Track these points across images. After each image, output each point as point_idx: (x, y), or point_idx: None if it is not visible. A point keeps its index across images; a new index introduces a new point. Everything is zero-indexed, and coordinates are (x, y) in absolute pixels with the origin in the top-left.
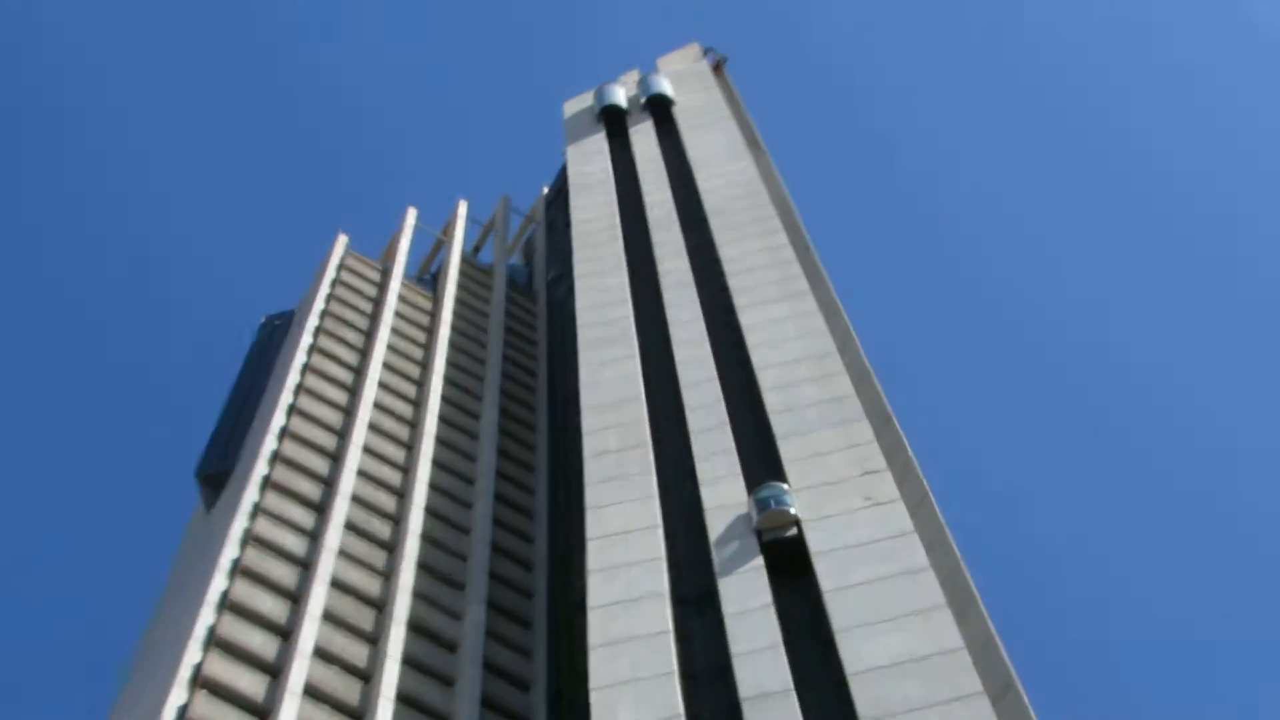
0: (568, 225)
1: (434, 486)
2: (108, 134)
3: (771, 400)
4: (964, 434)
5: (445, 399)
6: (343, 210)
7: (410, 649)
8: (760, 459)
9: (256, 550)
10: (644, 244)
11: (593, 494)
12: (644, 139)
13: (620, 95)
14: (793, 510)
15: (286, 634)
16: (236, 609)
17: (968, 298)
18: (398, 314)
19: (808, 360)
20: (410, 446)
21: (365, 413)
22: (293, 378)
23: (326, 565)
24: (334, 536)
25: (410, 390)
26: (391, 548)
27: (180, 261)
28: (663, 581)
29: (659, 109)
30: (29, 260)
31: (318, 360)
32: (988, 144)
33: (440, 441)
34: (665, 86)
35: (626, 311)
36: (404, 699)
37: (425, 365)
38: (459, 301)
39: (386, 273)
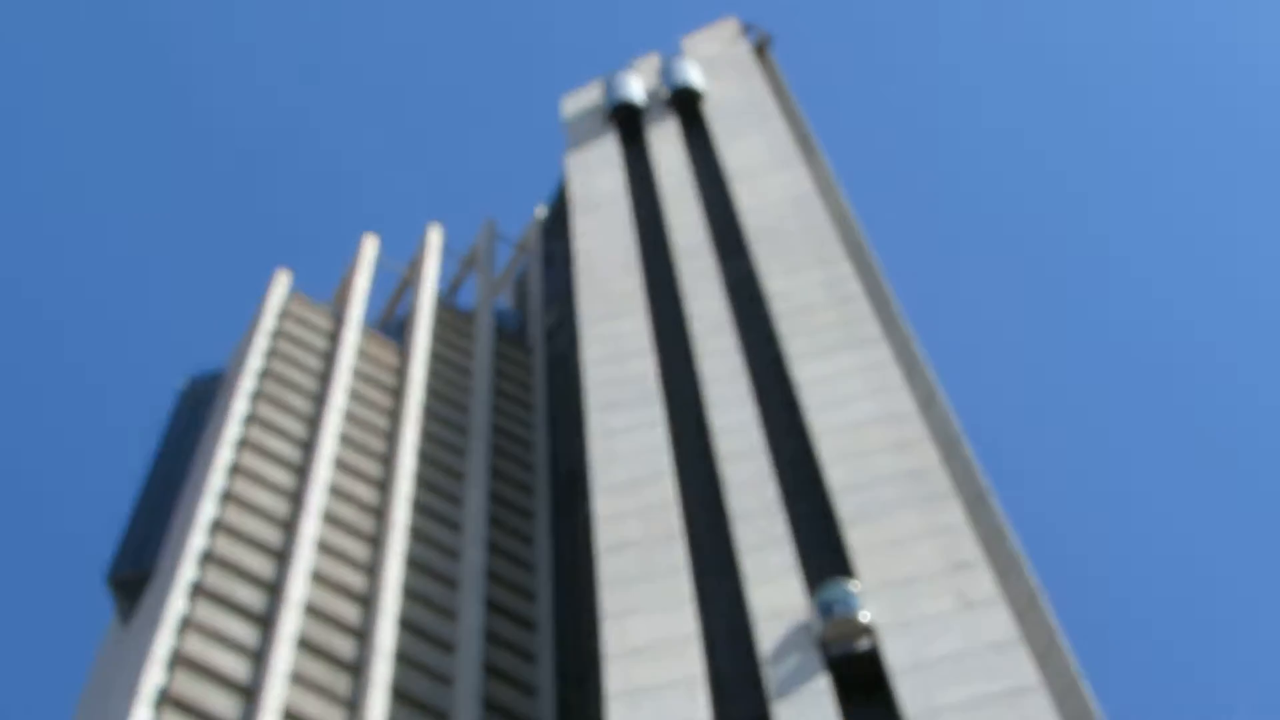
0: (569, 256)
1: (409, 592)
2: None
3: (835, 475)
4: (1081, 513)
5: (419, 480)
6: (282, 243)
7: None
8: (822, 550)
9: (187, 675)
10: (668, 278)
11: (610, 599)
12: (667, 143)
13: (636, 88)
14: (864, 616)
15: None
16: None
17: (1077, 341)
18: (356, 372)
19: (881, 423)
20: (376, 541)
21: (318, 499)
22: (225, 455)
23: (276, 694)
24: (284, 657)
25: (374, 469)
26: (357, 669)
27: (77, 312)
28: (702, 709)
29: (686, 104)
30: None
31: (256, 433)
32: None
33: (414, 534)
34: (693, 75)
35: (647, 365)
36: None
37: (392, 437)
38: (434, 355)
39: (340, 320)
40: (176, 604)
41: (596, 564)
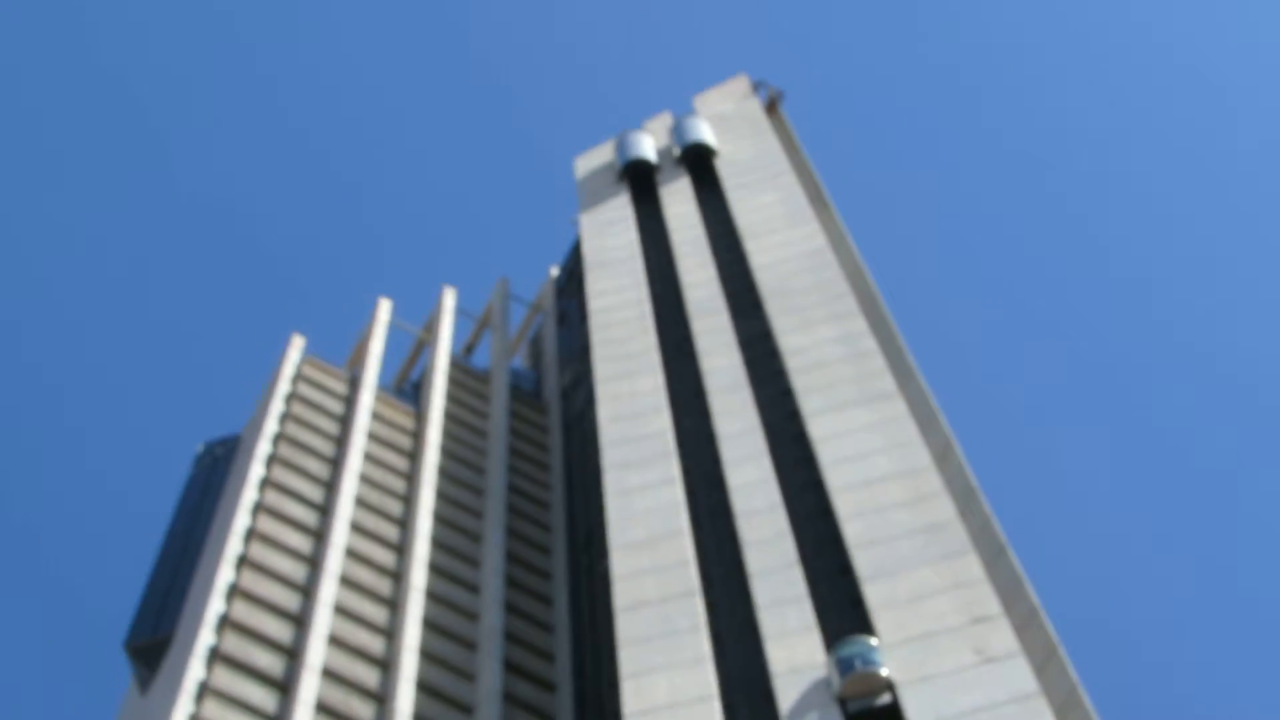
0: (584, 315)
1: (426, 654)
2: None
3: (853, 531)
4: (1100, 564)
5: (436, 542)
6: (297, 307)
7: None
8: (840, 606)
9: None
10: (683, 336)
11: (629, 658)
12: (679, 201)
13: (647, 146)
14: (884, 671)
15: None
16: None
17: (1094, 393)
18: (372, 435)
19: (898, 478)
20: (394, 604)
21: (335, 563)
22: (242, 520)
23: None
24: None
25: (391, 532)
26: None
27: (94, 379)
28: None
29: (698, 162)
30: None
31: (273, 497)
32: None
33: (431, 597)
34: (705, 133)
35: (663, 423)
36: None
37: (409, 500)
38: (449, 417)
39: (355, 383)
40: (195, 670)
41: (615, 623)
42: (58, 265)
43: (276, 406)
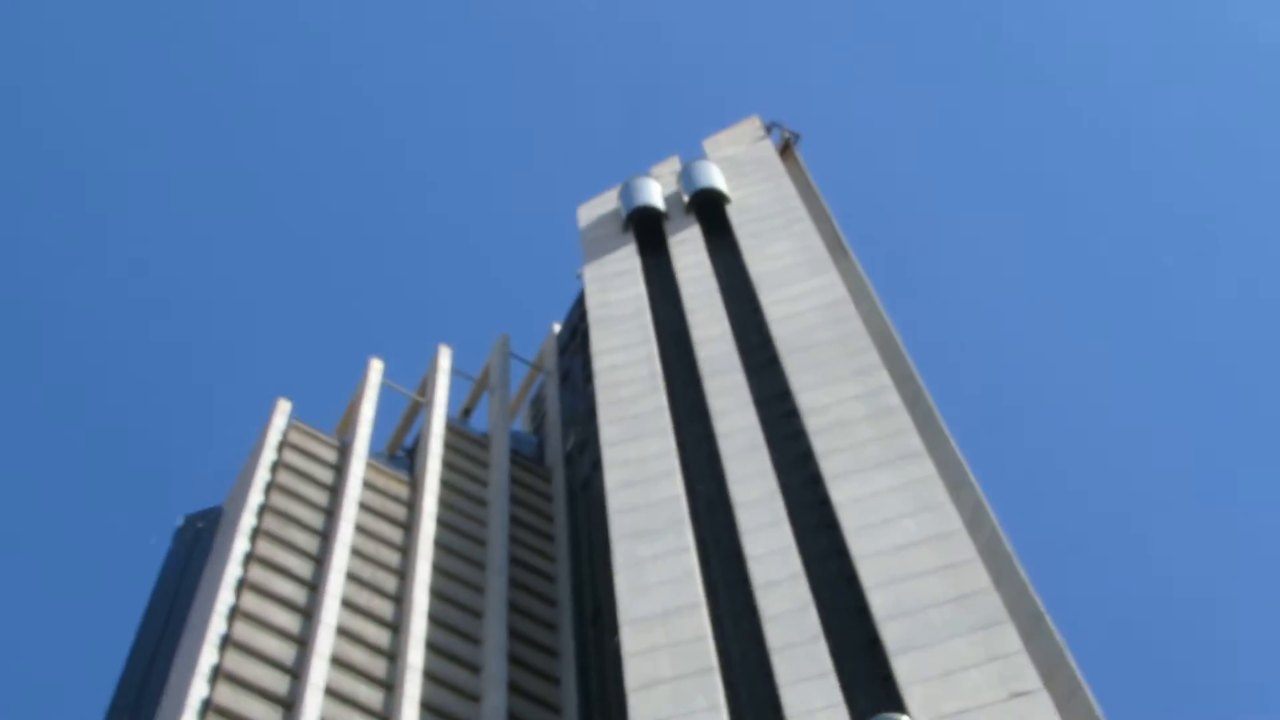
0: (589, 375)
1: None
2: None
3: (880, 601)
4: (1148, 634)
5: (433, 619)
6: (283, 369)
7: None
8: (869, 682)
9: None
10: (695, 396)
11: None
12: (689, 251)
13: (654, 192)
14: None
15: None
16: None
17: (1131, 450)
18: (363, 505)
19: (927, 544)
20: (389, 686)
21: (326, 643)
22: (225, 598)
23: None
24: None
25: (386, 609)
26: None
27: (70, 447)
28: None
29: (708, 209)
30: None
31: (258, 573)
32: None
33: (430, 677)
34: (715, 177)
35: (675, 489)
36: None
37: (404, 574)
38: (446, 484)
39: (345, 449)
40: None
41: (627, 704)
42: (21, 321)
43: (261, 476)
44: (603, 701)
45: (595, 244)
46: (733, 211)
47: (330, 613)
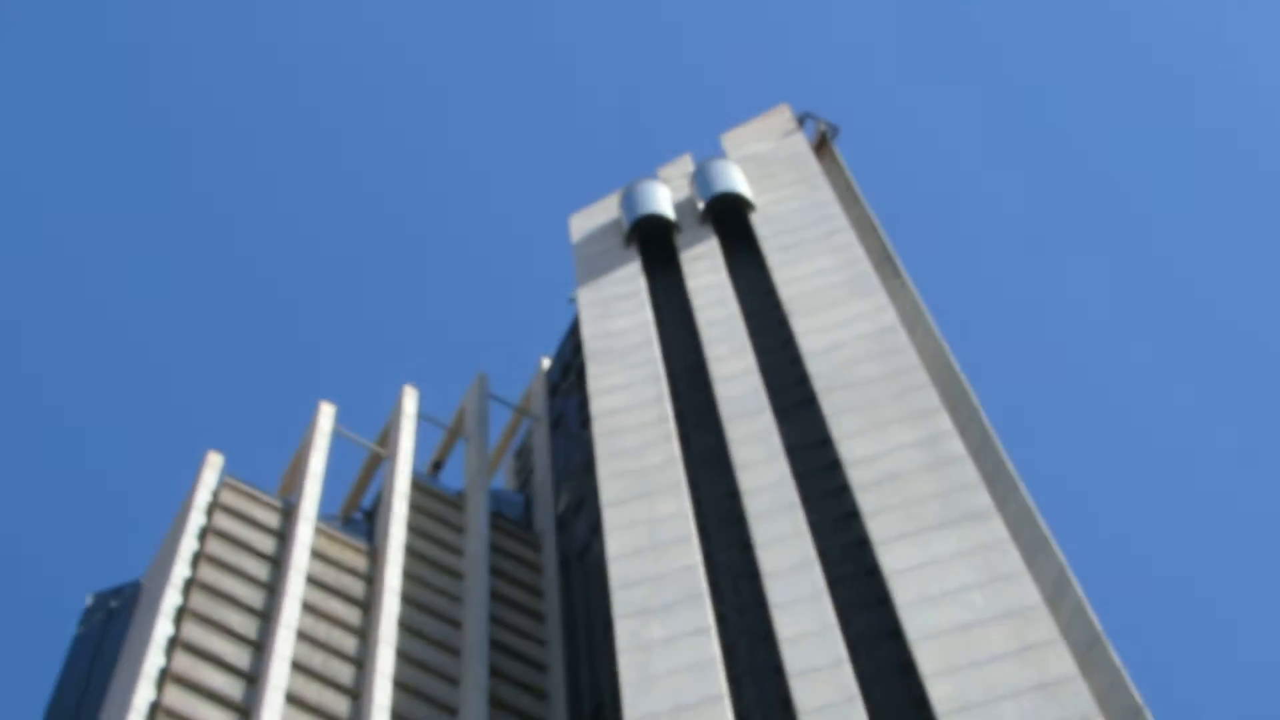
0: (586, 419)
1: None
2: None
3: (941, 693)
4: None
5: (398, 718)
6: (213, 416)
7: None
8: None
9: None
10: (715, 445)
11: None
12: (706, 269)
13: (663, 199)
14: None
15: None
16: None
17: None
18: (313, 580)
19: (998, 622)
20: None
21: None
22: (145, 693)
23: None
24: None
25: (340, 706)
26: None
27: None
28: None
29: (728, 217)
30: None
31: (185, 663)
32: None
33: None
34: (737, 180)
35: (690, 558)
36: None
37: (362, 663)
38: (413, 553)
39: (290, 512)
40: None
41: None
42: None
43: (188, 545)
44: None
45: (592, 261)
46: (758, 221)
47: (273, 710)
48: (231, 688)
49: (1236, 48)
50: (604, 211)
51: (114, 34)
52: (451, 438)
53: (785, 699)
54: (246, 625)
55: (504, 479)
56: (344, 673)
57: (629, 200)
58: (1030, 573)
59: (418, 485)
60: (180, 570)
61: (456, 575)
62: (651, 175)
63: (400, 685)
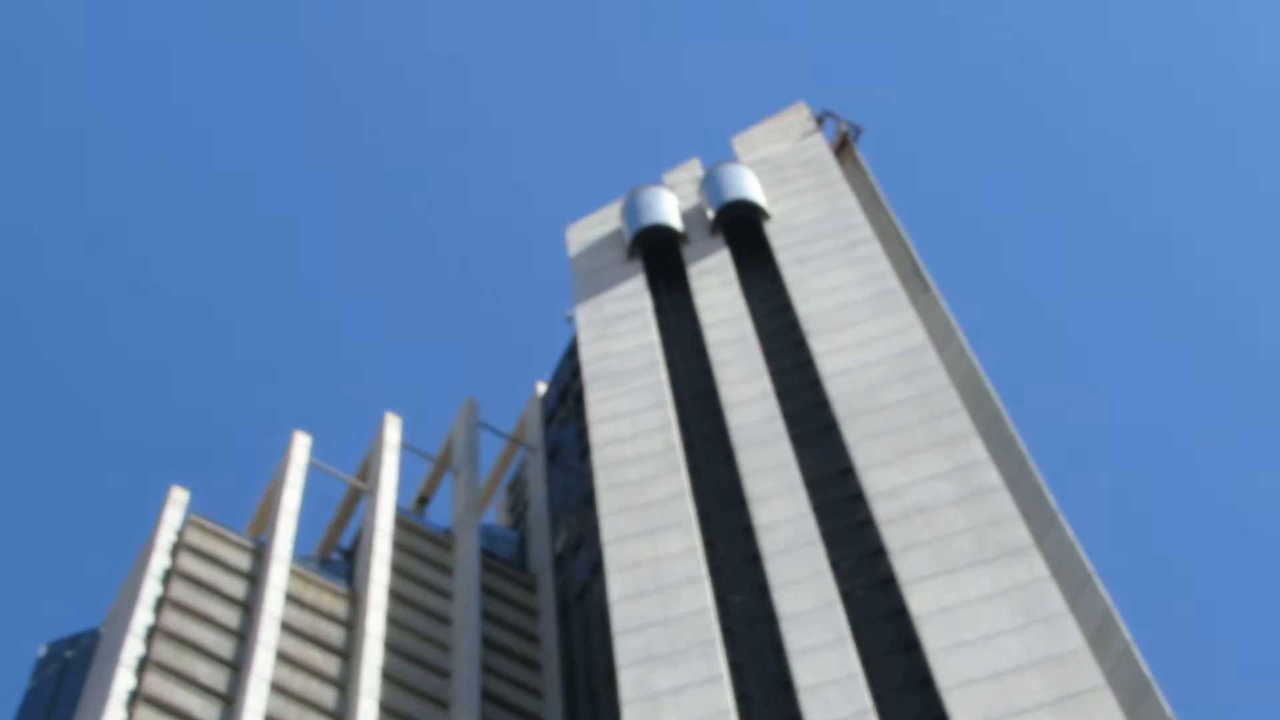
0: (585, 449)
1: None
2: None
3: None
4: None
5: None
6: (177, 449)
7: None
8: None
9: None
10: (727, 476)
11: None
12: (717, 284)
13: (669, 207)
14: None
15: None
16: None
17: None
18: (287, 626)
19: (1037, 670)
20: None
21: None
22: None
23: None
24: None
25: None
26: None
27: None
28: None
29: (741, 228)
30: None
31: (148, 717)
32: None
33: None
34: (749, 185)
35: (701, 600)
36: None
37: (342, 717)
38: (397, 597)
39: (262, 552)
40: None
41: None
42: None
43: (150, 589)
44: None
45: (591, 276)
46: (773, 231)
47: None
48: None
49: None
50: (604, 222)
51: None
52: (438, 470)
53: None
54: (215, 677)
55: (496, 515)
56: None
57: (631, 209)
58: (1073, 614)
59: (401, 522)
60: (142, 617)
61: (444, 620)
62: (656, 181)
63: None
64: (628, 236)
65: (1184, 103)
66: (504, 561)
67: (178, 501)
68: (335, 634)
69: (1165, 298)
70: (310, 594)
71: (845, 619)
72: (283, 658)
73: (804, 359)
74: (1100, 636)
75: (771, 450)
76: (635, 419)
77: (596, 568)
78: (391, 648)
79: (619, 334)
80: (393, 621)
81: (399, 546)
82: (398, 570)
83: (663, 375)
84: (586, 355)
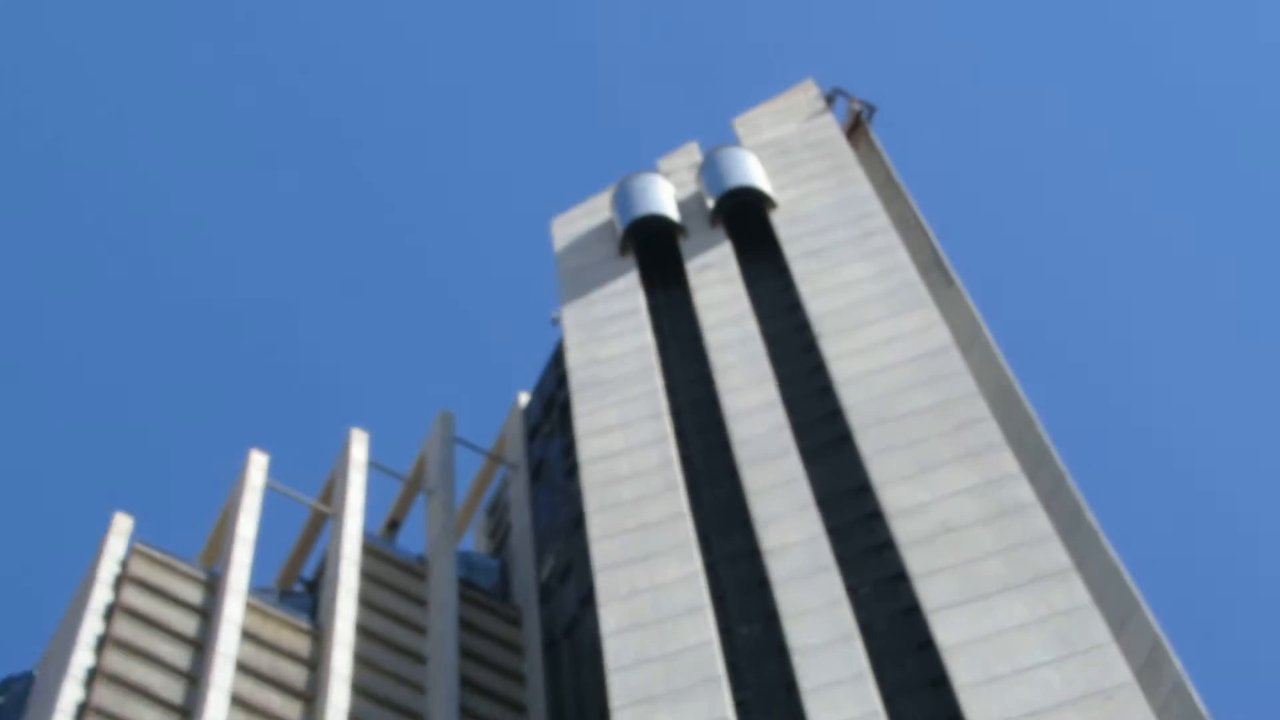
0: (573, 467)
1: None
2: None
3: None
4: None
5: None
6: (120, 472)
7: None
8: None
9: None
10: (730, 495)
11: None
12: (717, 280)
13: (664, 195)
14: None
15: None
16: None
17: None
18: (243, 666)
19: (1079, 707)
20: None
21: None
22: None
23: None
24: None
25: None
26: None
27: None
28: None
29: (744, 217)
30: None
31: None
32: None
33: None
34: (753, 171)
35: (703, 633)
36: None
37: None
38: (365, 633)
39: (215, 584)
40: None
41: None
42: None
43: (90, 625)
44: None
45: (579, 274)
46: (780, 221)
47: None
48: None
49: None
50: (593, 213)
51: None
52: (410, 491)
53: None
54: None
55: (474, 540)
56: None
57: (623, 198)
58: (1118, 645)
59: (370, 549)
60: (82, 658)
61: (418, 658)
62: (650, 168)
63: None
64: (619, 229)
65: (1232, 80)
66: (484, 592)
67: (121, 529)
68: (297, 674)
69: (1222, 293)
70: (269, 630)
71: (864, 652)
72: (238, 702)
73: (814, 363)
74: (1149, 669)
75: (779, 465)
76: (628, 432)
77: (587, 598)
78: (359, 689)
79: (610, 337)
80: (361, 660)
81: (367, 576)
82: (366, 603)
83: (658, 382)
84: (574, 361)
